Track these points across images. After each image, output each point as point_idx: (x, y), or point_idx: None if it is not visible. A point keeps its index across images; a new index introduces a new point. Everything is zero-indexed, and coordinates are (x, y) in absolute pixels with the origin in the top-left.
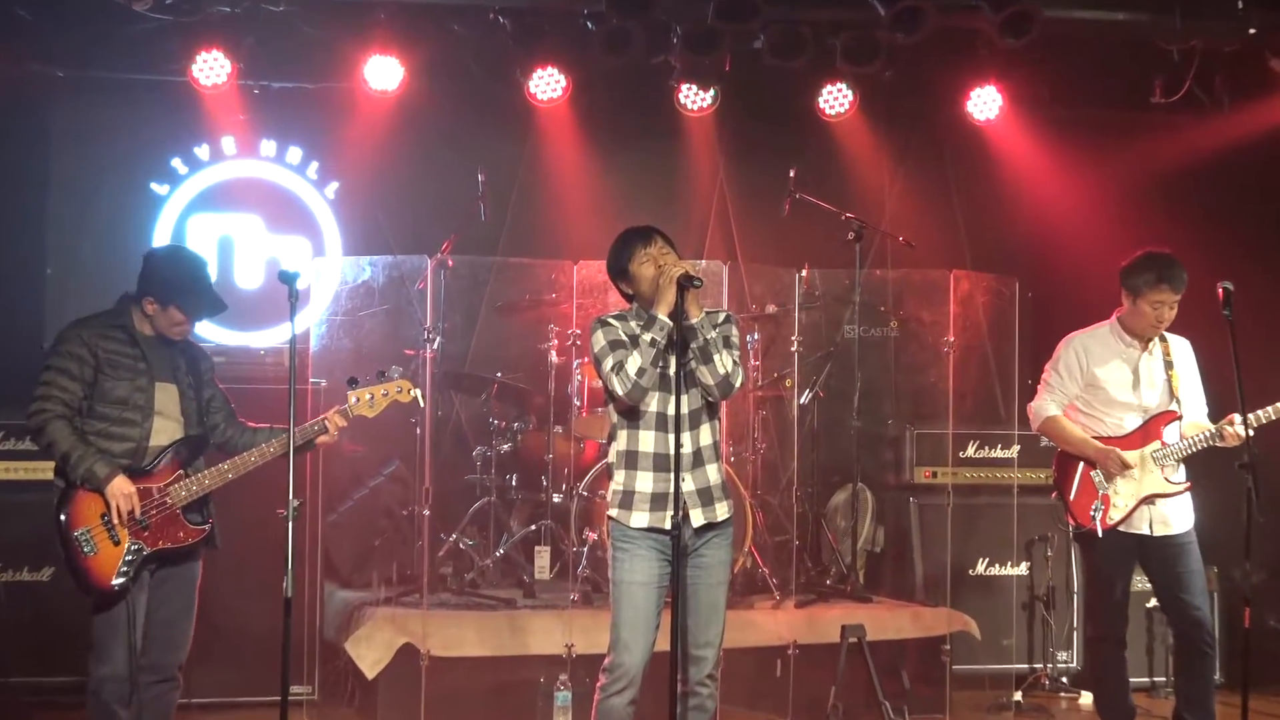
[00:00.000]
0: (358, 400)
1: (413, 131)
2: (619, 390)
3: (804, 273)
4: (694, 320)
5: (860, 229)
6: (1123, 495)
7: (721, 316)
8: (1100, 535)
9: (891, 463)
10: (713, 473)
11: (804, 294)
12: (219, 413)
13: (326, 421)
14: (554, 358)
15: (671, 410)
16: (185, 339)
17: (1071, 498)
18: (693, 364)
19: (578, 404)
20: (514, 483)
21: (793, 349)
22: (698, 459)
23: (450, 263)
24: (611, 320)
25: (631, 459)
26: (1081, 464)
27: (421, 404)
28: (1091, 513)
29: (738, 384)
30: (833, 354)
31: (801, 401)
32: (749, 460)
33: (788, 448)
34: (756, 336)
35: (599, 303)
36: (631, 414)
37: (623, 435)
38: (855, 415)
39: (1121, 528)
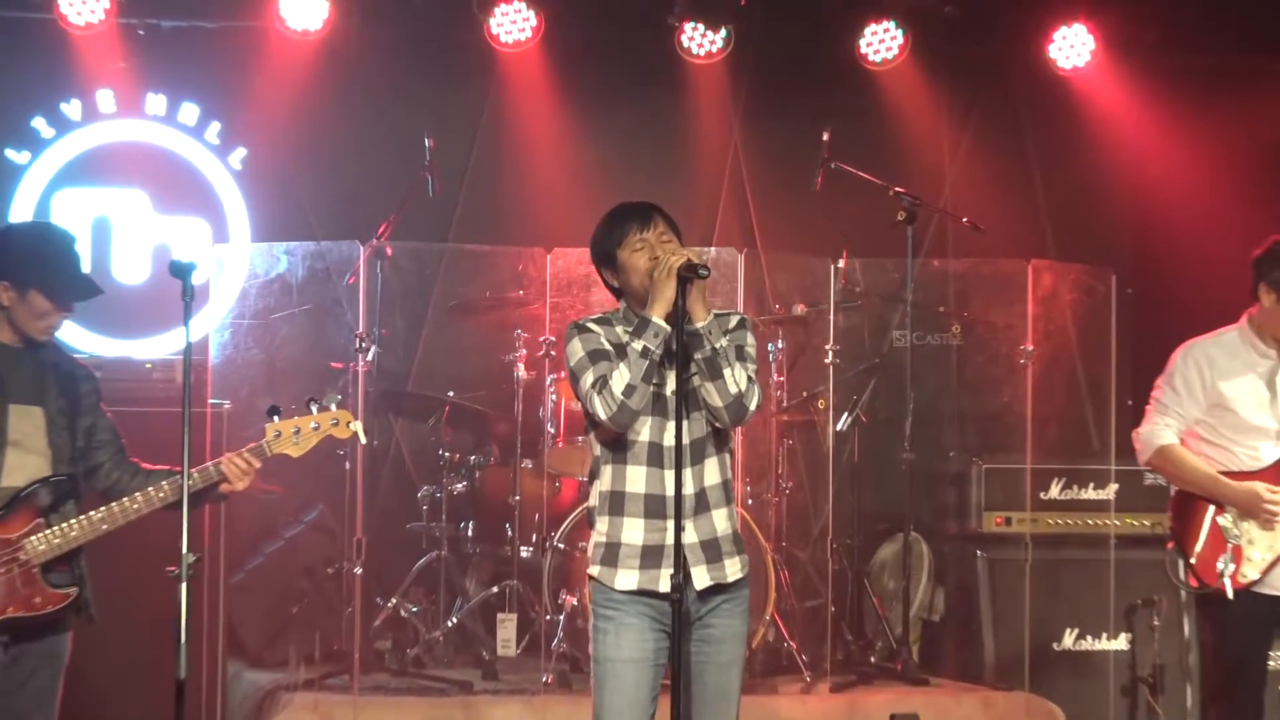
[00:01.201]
0: (278, 435)
1: (341, 85)
2: (602, 414)
3: (841, 263)
4: (699, 324)
5: (913, 208)
6: (1259, 547)
7: (734, 320)
8: (1230, 598)
9: (953, 507)
10: (721, 520)
11: (841, 290)
12: (104, 449)
13: (226, 465)
14: (521, 372)
15: (669, 440)
16: (58, 352)
17: (1196, 551)
18: (696, 380)
19: (552, 432)
20: (470, 532)
21: (827, 361)
22: (702, 502)
23: (389, 250)
24: (592, 325)
25: (618, 502)
26: (1209, 507)
27: (364, 439)
28: (1219, 570)
29: (754, 406)
30: (878, 367)
31: (839, 428)
32: (771, 503)
33: (821, 487)
34: (780, 345)
35: (579, 301)
36: (618, 445)
37: (607, 472)
38: (907, 446)
39: (1257, 589)
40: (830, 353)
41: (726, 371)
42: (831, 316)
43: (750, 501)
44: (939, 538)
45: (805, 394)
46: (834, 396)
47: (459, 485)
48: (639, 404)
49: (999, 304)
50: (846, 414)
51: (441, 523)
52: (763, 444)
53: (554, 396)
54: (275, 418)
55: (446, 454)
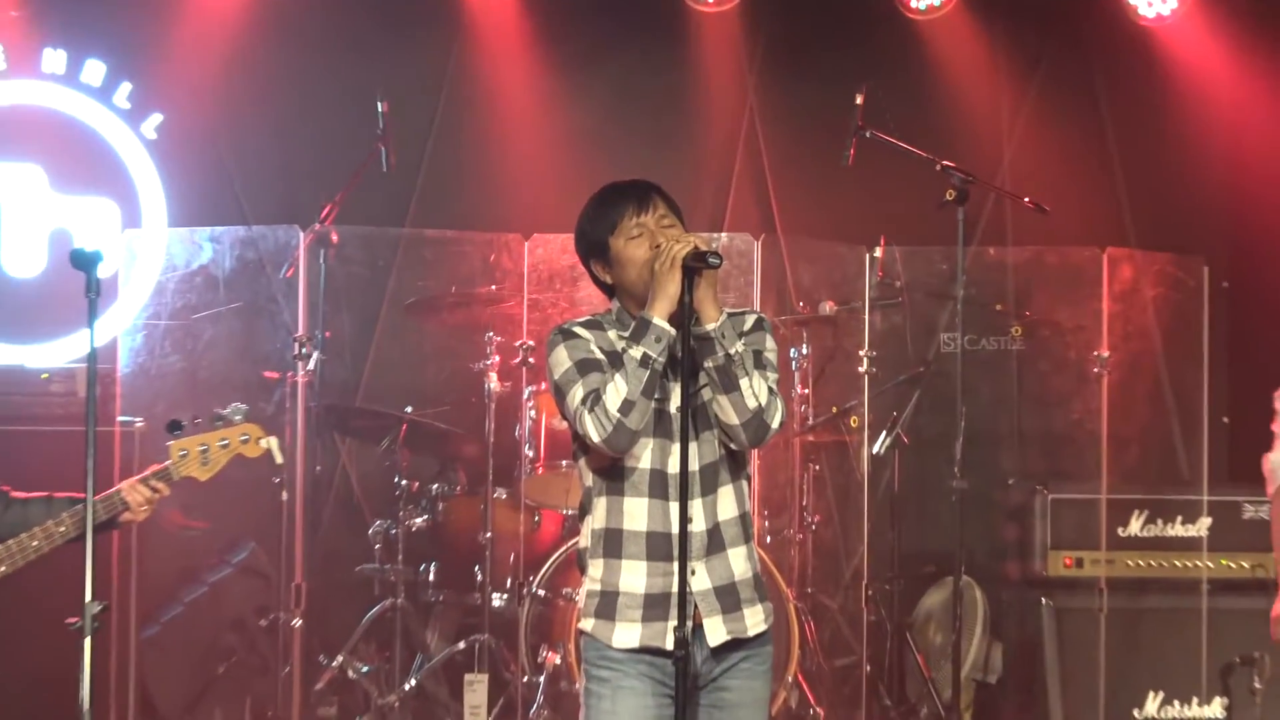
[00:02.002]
0: (184, 455)
1: (278, 38)
2: (594, 436)
3: (878, 252)
4: (710, 326)
5: (964, 185)
6: None
7: (750, 320)
8: None
9: (1013, 545)
10: (739, 561)
11: (878, 285)
12: None
13: (128, 492)
14: (494, 383)
15: (674, 466)
16: None
17: None
18: (707, 394)
19: (530, 455)
20: (432, 576)
21: (861, 369)
22: (716, 540)
23: (335, 237)
24: (580, 329)
25: (614, 542)
26: None
27: (279, 459)
28: None
29: (776, 423)
30: (923, 377)
31: (875, 451)
32: (793, 542)
33: (853, 522)
34: (805, 350)
35: (563, 298)
36: (613, 473)
37: (601, 506)
38: (958, 472)
39: None
40: (865, 360)
41: (744, 382)
42: (866, 316)
43: (769, 539)
44: (996, 582)
45: (835, 409)
46: (869, 413)
47: (418, 520)
48: (639, 423)
49: (1068, 301)
50: (884, 433)
51: (397, 564)
52: (783, 470)
53: (533, 413)
54: (177, 434)
55: (403, 482)
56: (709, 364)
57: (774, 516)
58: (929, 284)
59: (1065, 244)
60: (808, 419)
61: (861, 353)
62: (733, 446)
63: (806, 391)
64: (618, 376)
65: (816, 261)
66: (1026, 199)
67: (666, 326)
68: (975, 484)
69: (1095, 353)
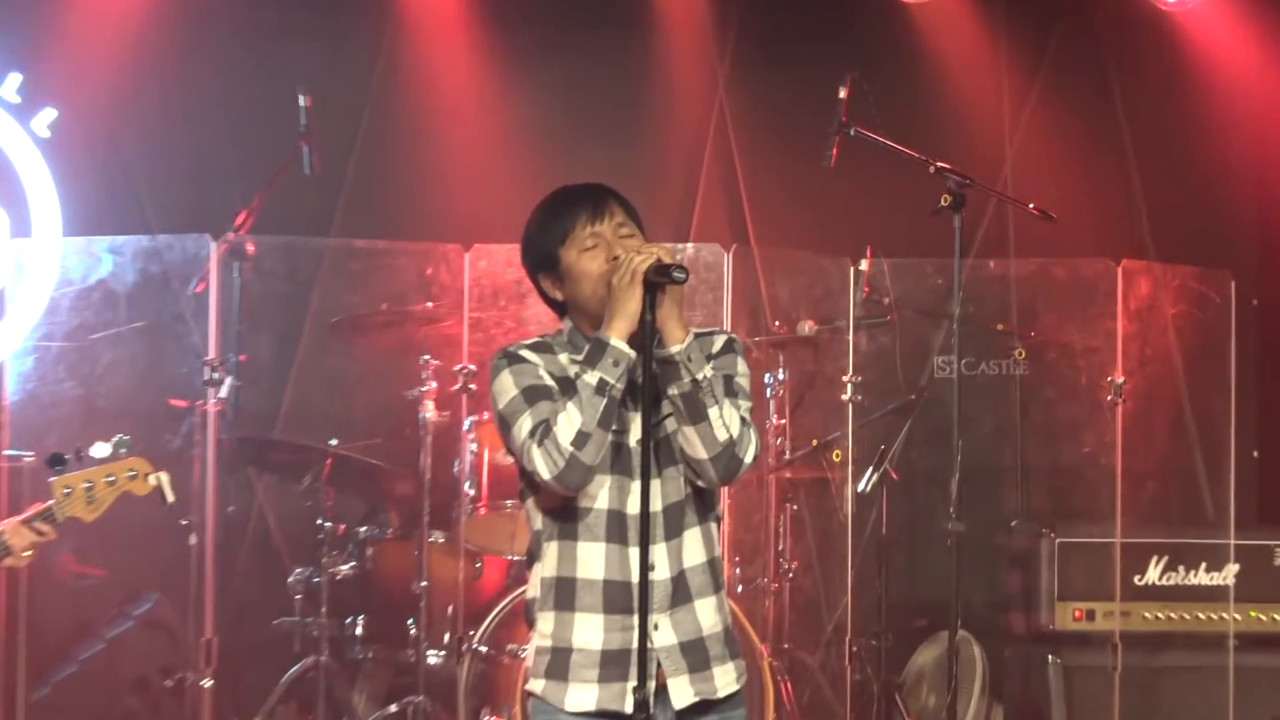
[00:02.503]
0: (68, 493)
1: (187, 25)
2: (544, 472)
3: (864, 264)
4: (674, 348)
5: (961, 189)
6: None
7: (720, 341)
8: None
9: (1017, 595)
10: (708, 613)
11: (864, 302)
12: None
13: (11, 535)
14: (430, 413)
15: (634, 506)
16: None
17: None
18: (671, 424)
19: (471, 494)
20: (360, 631)
21: (845, 397)
22: (681, 590)
23: (250, 248)
24: (527, 352)
25: (567, 593)
26: None
27: (169, 497)
28: None
29: (749, 458)
30: (914, 406)
31: (861, 489)
32: (768, 591)
33: (836, 568)
34: (782, 376)
35: (509, 316)
36: (566, 514)
37: (551, 552)
38: (954, 512)
39: None
40: (849, 386)
41: (712, 411)
42: (851, 337)
43: (740, 589)
44: (997, 637)
45: (815, 442)
46: (854, 446)
47: (344, 567)
48: (594, 457)
49: (1078, 320)
50: (871, 469)
51: (320, 617)
52: (757, 510)
53: (474, 446)
54: (59, 470)
55: (328, 524)
56: (673, 391)
57: (746, 563)
58: (922, 301)
59: (1075, 256)
60: (784, 453)
61: (845, 378)
62: (700, 484)
63: (783, 422)
64: (570, 405)
65: (795, 275)
66: (1031, 205)
67: (625, 348)
68: (973, 526)
69: (1109, 378)
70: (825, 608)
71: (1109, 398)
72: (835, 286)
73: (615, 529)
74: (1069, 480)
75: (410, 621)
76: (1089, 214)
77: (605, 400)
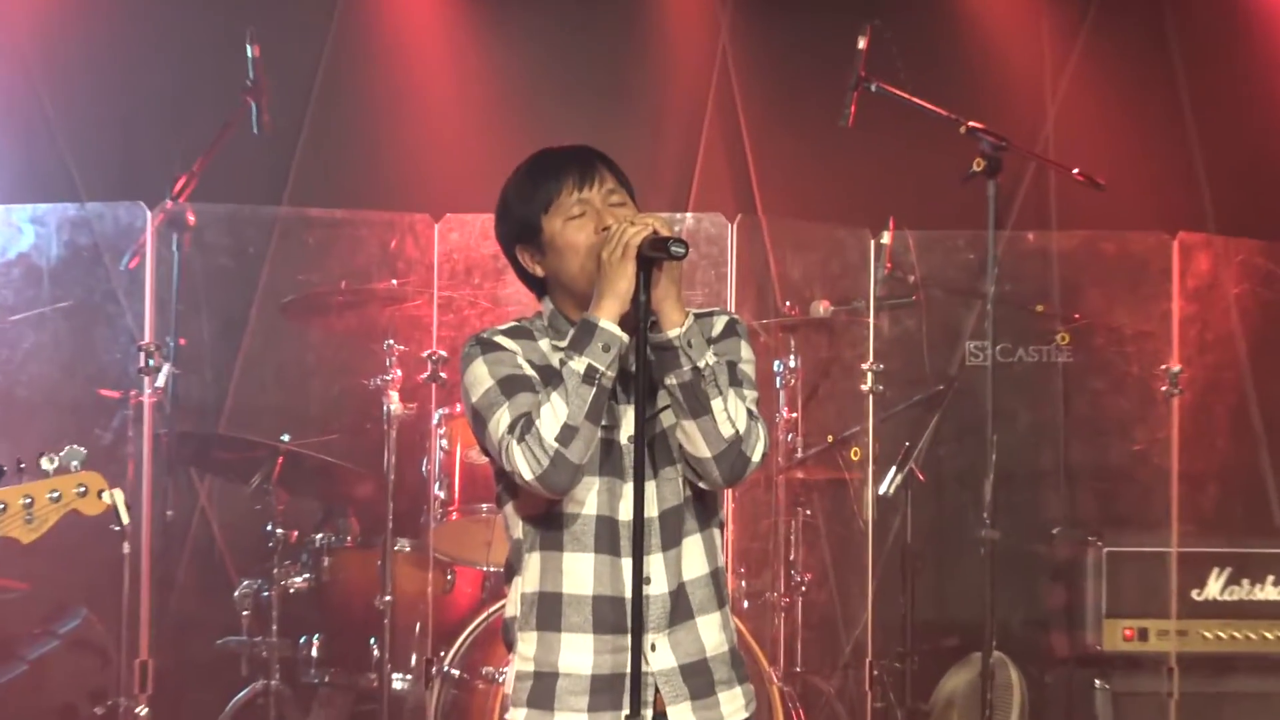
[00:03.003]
0: (4, 509)
1: None
2: (526, 472)
3: (886, 237)
4: (672, 332)
5: (997, 153)
6: None
7: (720, 323)
8: None
9: (1059, 612)
10: (712, 631)
11: (886, 279)
12: None
13: None
14: (395, 405)
15: (627, 512)
16: None
17: None
18: (669, 418)
19: (442, 496)
20: (315, 652)
21: (865, 387)
22: (681, 606)
23: (191, 217)
24: (503, 338)
25: (551, 609)
26: None
27: (125, 518)
28: None
29: (758, 455)
30: (943, 398)
31: (883, 491)
32: (778, 606)
33: (855, 581)
34: (794, 363)
35: (484, 295)
36: (550, 520)
37: (533, 564)
38: (988, 518)
39: None
40: (869, 375)
41: (716, 403)
42: (871, 319)
43: (746, 604)
44: (1037, 659)
45: (831, 438)
46: (875, 442)
47: (298, 579)
48: (582, 454)
49: (1128, 300)
50: (895, 469)
51: (271, 637)
52: (765, 516)
53: (444, 443)
54: None
55: (279, 531)
56: (671, 380)
57: (753, 576)
58: (951, 278)
59: (1126, 228)
60: (796, 450)
61: (865, 366)
62: (702, 485)
63: (795, 415)
64: (554, 396)
65: (808, 249)
66: (1075, 170)
67: (617, 331)
68: (1009, 534)
69: (1163, 366)
70: (843, 626)
71: (1164, 388)
72: (854, 262)
73: (606, 538)
74: (1118, 482)
75: (372, 641)
76: (1141, 180)
77: (594, 390)
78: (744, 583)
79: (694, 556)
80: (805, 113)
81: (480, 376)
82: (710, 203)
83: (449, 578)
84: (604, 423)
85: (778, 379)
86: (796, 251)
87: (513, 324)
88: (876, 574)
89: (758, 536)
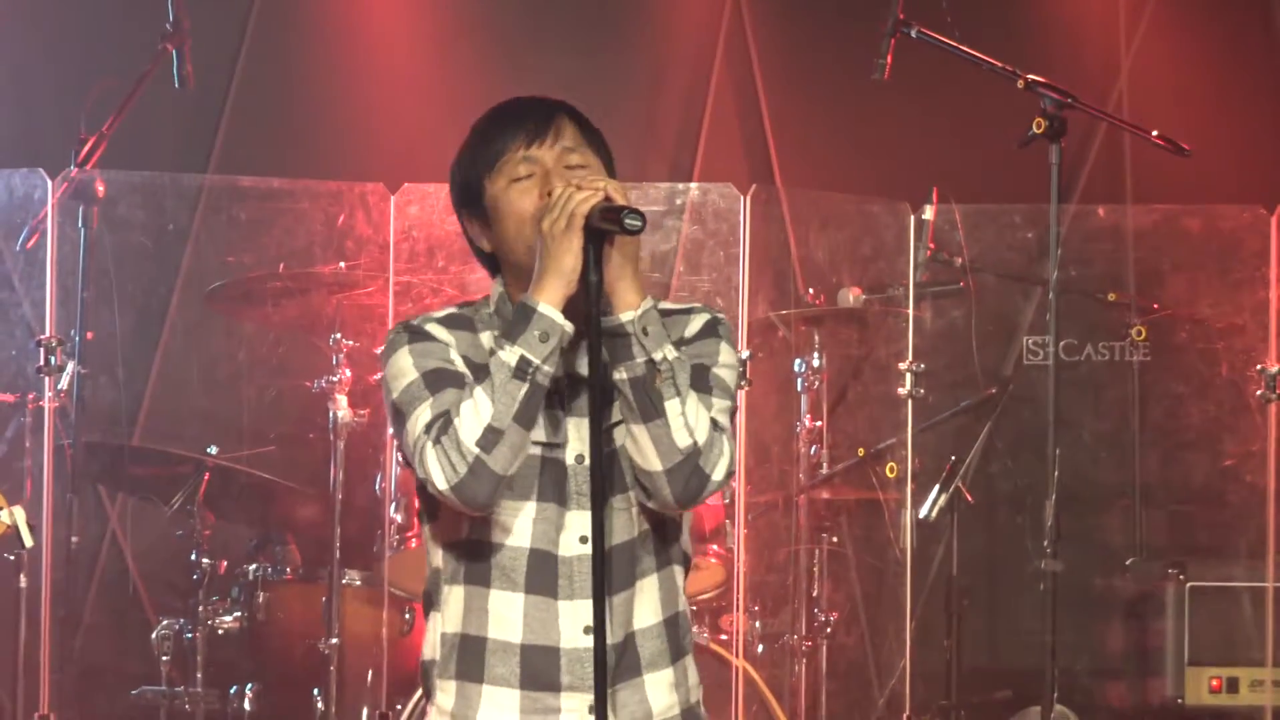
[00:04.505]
0: None
1: None
2: (438, 479)
3: (928, 213)
4: (624, 316)
5: (1060, 112)
6: None
7: (699, 322)
8: None
9: (1133, 658)
10: (660, 692)
11: (928, 262)
12: None
13: None
14: (342, 412)
15: (568, 546)
16: None
17: None
18: (616, 435)
19: (398, 520)
20: (247, 704)
21: (903, 391)
22: (626, 660)
23: (101, 188)
24: (436, 326)
25: (472, 656)
26: None
27: (28, 540)
28: None
29: (720, 474)
30: (998, 402)
31: (924, 514)
32: (798, 652)
33: (890, 622)
34: (818, 363)
35: (450, 281)
36: (473, 547)
37: (454, 599)
38: (1048, 547)
39: None
40: (908, 376)
41: (672, 405)
42: (911, 310)
43: (760, 649)
44: (1106, 714)
45: (862, 452)
46: (915, 457)
47: (227, 619)
48: (507, 464)
49: (1217, 288)
50: (938, 488)
51: (196, 686)
52: (784, 543)
53: (402, 456)
54: None
55: (205, 561)
56: (621, 375)
57: (769, 614)
58: (1006, 261)
59: (1214, 201)
60: (821, 466)
61: (903, 366)
62: (650, 505)
63: (819, 424)
64: (479, 391)
65: (835, 227)
66: (1154, 133)
67: (558, 319)
68: (1075, 565)
69: (1258, 367)
70: (876, 674)
71: (1259, 393)
72: (889, 242)
73: (540, 576)
74: (1204, 504)
75: (316, 692)
76: (1233, 145)
77: (527, 387)
78: (758, 623)
79: (647, 602)
80: (832, 64)
81: (403, 369)
82: (719, 172)
83: (407, 616)
84: (547, 439)
85: (799, 381)
86: (821, 229)
87: (450, 310)
88: (915, 613)
89: (774, 568)
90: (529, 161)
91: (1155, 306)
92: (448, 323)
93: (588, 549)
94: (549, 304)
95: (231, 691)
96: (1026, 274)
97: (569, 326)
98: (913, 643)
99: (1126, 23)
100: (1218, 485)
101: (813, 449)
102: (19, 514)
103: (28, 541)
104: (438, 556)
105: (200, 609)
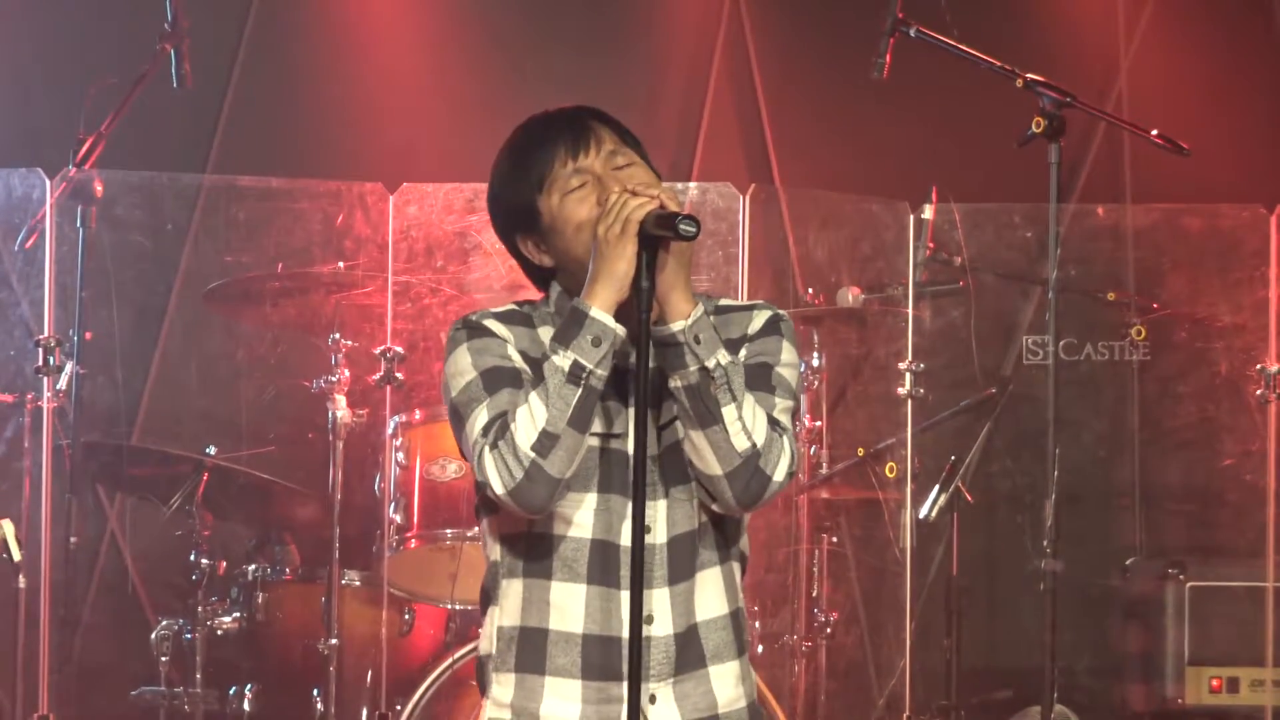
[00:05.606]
0: None
1: None
2: (496, 484)
3: (928, 212)
4: (676, 325)
5: (1059, 111)
6: None
7: (761, 319)
8: None
9: (1134, 658)
10: (726, 684)
11: (928, 261)
12: None
13: None
14: (343, 412)
15: (626, 536)
16: None
17: None
18: (678, 427)
19: (398, 520)
20: (248, 705)
21: (902, 390)
22: (690, 651)
23: (99, 187)
24: (495, 322)
25: (533, 649)
26: None
27: (16, 554)
28: None
29: (781, 474)
30: (998, 402)
31: (923, 514)
32: (798, 651)
33: (890, 622)
34: (817, 362)
35: (449, 280)
36: (533, 543)
37: (513, 592)
38: (1048, 547)
39: None
40: (908, 376)
41: (728, 411)
42: (910, 309)
43: (760, 648)
44: (1107, 714)
45: (862, 451)
46: (915, 457)
47: (226, 619)
48: (564, 468)
49: (1216, 287)
50: (938, 488)
51: (195, 687)
52: (783, 543)
53: (402, 456)
54: None
55: (204, 562)
56: (676, 383)
57: (769, 615)
58: (1005, 260)
59: (1214, 200)
60: (820, 466)
61: (902, 365)
62: (715, 508)
63: (819, 424)
64: (533, 396)
65: (834, 226)
66: (1154, 132)
67: (610, 323)
68: (1075, 565)
69: (1258, 366)
70: (875, 674)
71: (1259, 392)
72: (889, 241)
73: (602, 566)
74: (1204, 504)
75: (315, 693)
76: (1233, 144)
77: (580, 391)
78: (757, 623)
79: (710, 594)
80: (831, 63)
81: (463, 367)
82: (718, 171)
83: (406, 617)
84: (606, 430)
85: (798, 377)
86: (821, 229)
87: (509, 307)
88: (915, 613)
89: (774, 568)
90: (580, 173)
91: (1155, 306)
92: (506, 319)
93: (650, 539)
94: (601, 308)
95: (231, 692)
96: (1026, 273)
97: (621, 331)
98: (912, 643)
99: (1126, 22)
100: (1217, 485)
101: (812, 449)
102: (8, 528)
103: (15, 555)
104: (496, 551)
105: (199, 609)
